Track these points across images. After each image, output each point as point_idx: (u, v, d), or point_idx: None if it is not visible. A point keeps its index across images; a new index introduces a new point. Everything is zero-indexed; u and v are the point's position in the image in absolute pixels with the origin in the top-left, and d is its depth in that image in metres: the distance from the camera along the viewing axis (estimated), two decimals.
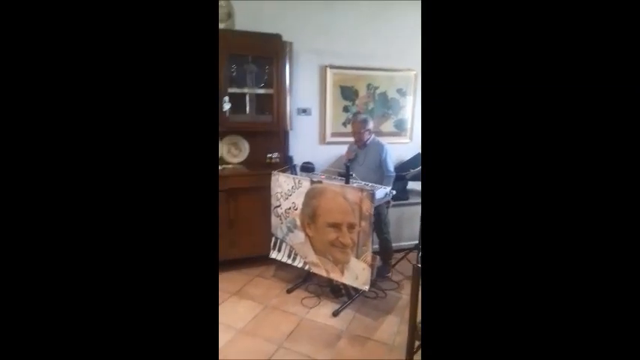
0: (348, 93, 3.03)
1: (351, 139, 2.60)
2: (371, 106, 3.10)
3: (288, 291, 2.41)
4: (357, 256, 2.10)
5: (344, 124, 3.07)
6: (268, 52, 2.51)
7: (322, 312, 2.20)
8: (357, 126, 2.48)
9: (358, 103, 3.07)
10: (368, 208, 2.02)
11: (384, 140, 2.56)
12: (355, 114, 2.92)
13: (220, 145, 2.69)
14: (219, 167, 2.60)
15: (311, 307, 2.24)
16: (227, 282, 2.48)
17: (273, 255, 2.49)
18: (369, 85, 3.06)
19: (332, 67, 2.92)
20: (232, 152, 2.74)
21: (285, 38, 2.54)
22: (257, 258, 2.62)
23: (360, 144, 2.51)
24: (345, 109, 3.06)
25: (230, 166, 2.67)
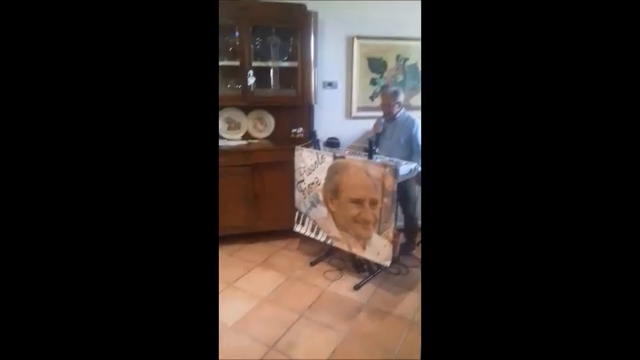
0: (376, 65, 2.91)
1: (379, 114, 2.52)
2: (400, 78, 2.96)
3: (312, 264, 2.47)
4: (379, 232, 2.09)
5: (371, 98, 2.97)
6: (292, 23, 2.45)
7: (344, 285, 2.24)
8: (387, 98, 2.38)
9: (387, 75, 2.94)
10: (391, 184, 1.98)
11: (414, 114, 2.44)
12: (384, 86, 2.81)
13: (246, 120, 2.72)
14: (245, 142, 2.64)
15: (333, 280, 2.28)
16: (253, 253, 2.58)
17: (297, 228, 2.54)
18: (398, 57, 2.91)
19: (359, 37, 2.79)
20: (258, 127, 2.76)
21: (309, 8, 2.45)
22: (282, 231, 2.69)
23: (389, 117, 2.42)
24: (373, 82, 2.95)
25: (256, 140, 2.70)
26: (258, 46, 2.48)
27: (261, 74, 2.52)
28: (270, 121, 2.76)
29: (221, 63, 2.46)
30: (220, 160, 2.43)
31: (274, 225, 2.68)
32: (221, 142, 2.59)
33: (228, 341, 1.77)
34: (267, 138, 2.75)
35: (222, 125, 2.68)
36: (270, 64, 2.54)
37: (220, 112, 2.66)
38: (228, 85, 2.55)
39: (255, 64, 2.45)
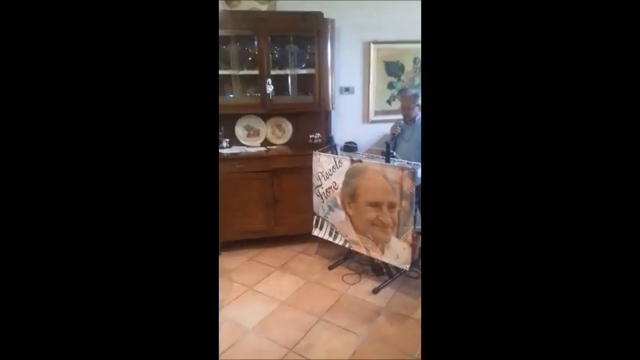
0: (393, 68, 2.91)
1: (396, 117, 2.53)
2: (418, 80, 2.95)
3: (330, 268, 2.48)
4: (398, 236, 2.08)
5: (388, 102, 2.98)
6: (310, 31, 2.50)
7: (362, 289, 2.23)
8: (406, 101, 2.43)
9: (404, 78, 2.94)
10: (409, 187, 1.97)
11: None
12: (403, 89, 2.83)
13: (265, 126, 2.78)
14: (264, 148, 2.70)
15: (351, 284, 2.28)
16: (272, 257, 2.62)
17: (315, 233, 2.56)
18: (415, 59, 2.91)
19: (376, 42, 2.82)
20: (276, 134, 2.82)
21: (326, 15, 2.50)
22: (300, 235, 2.72)
23: (409, 120, 2.45)
24: (390, 86, 2.95)
25: (274, 147, 2.76)
26: (276, 55, 2.54)
27: (280, 82, 2.58)
28: (288, 128, 2.82)
29: (241, 72, 2.54)
30: (240, 166, 2.52)
31: (293, 229, 2.71)
32: (240, 149, 2.66)
33: (248, 343, 1.80)
34: (285, 144, 2.81)
35: (241, 132, 2.76)
36: (288, 71, 2.60)
37: (240, 120, 2.74)
38: (248, 93, 2.63)
39: (273, 72, 2.52)
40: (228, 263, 2.54)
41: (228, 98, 2.62)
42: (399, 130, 2.47)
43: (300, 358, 1.70)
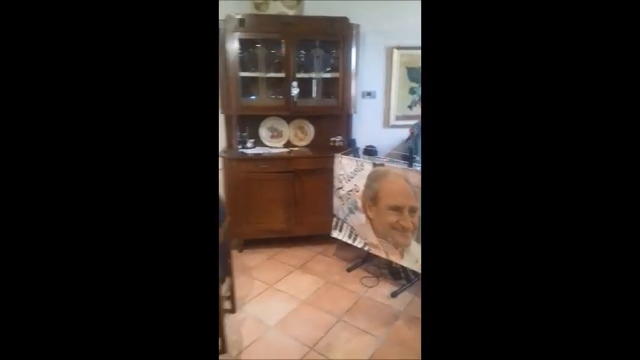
0: (415, 74, 2.93)
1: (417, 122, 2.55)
2: None
3: (348, 270, 2.51)
4: (418, 240, 2.09)
5: (410, 107, 2.99)
6: (335, 36, 2.54)
7: (381, 292, 2.26)
8: None
9: None
10: None
11: None
12: None
13: (288, 128, 2.84)
14: (287, 150, 2.76)
15: (370, 287, 2.31)
16: (291, 257, 2.67)
17: (335, 234, 2.60)
18: None
19: (399, 47, 2.84)
20: (299, 136, 2.87)
21: (352, 20, 2.54)
22: (319, 236, 2.75)
23: None
24: (412, 91, 2.97)
25: (296, 148, 2.81)
26: (302, 59, 2.60)
27: (304, 85, 2.63)
28: (311, 130, 2.86)
29: (267, 75, 2.60)
30: (264, 166, 2.58)
31: (312, 230, 2.75)
32: (264, 150, 2.72)
33: (270, 340, 1.85)
34: (306, 146, 2.85)
35: (265, 133, 2.82)
36: (312, 75, 2.65)
37: (264, 121, 2.80)
38: (273, 95, 2.69)
39: (298, 75, 2.57)
40: (249, 261, 2.59)
41: (254, 100, 2.68)
42: (416, 131, 2.51)
43: (321, 357, 1.74)
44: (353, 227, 2.47)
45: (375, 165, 2.26)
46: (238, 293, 2.12)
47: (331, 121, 2.79)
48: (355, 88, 2.69)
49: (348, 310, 2.08)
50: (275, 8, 2.53)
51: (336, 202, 2.55)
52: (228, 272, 1.94)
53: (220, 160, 2.61)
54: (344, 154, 2.48)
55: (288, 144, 2.84)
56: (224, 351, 1.73)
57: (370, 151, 2.67)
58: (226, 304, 1.99)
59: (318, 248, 2.78)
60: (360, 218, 2.39)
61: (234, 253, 2.58)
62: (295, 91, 2.55)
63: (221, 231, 1.68)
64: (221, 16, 2.45)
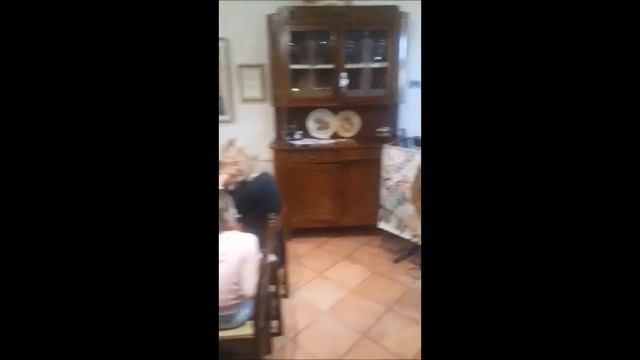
0: None
1: None
2: None
3: (395, 261, 2.51)
4: None
5: None
6: (384, 25, 2.51)
7: None
8: None
9: None
10: None
11: None
12: None
13: (334, 120, 2.86)
14: (334, 141, 2.78)
15: (417, 278, 2.30)
16: (337, 246, 2.72)
17: (381, 225, 2.60)
18: None
19: None
20: (345, 127, 2.88)
21: (401, 9, 2.49)
22: (364, 227, 2.77)
23: None
24: None
25: (343, 139, 2.83)
26: (351, 49, 2.59)
27: (353, 75, 2.62)
28: (357, 121, 2.86)
29: (315, 66, 2.63)
30: (311, 157, 2.63)
31: (358, 221, 2.77)
32: (311, 141, 2.77)
33: (324, 325, 1.91)
34: (353, 137, 2.86)
35: (312, 125, 2.86)
36: (361, 65, 2.64)
37: (311, 113, 2.84)
38: (320, 86, 2.71)
39: (347, 65, 2.57)
40: (298, 249, 2.67)
41: (302, 91, 2.72)
42: None
43: (374, 344, 1.77)
44: (402, 218, 2.46)
45: None
46: (290, 279, 2.20)
47: (378, 111, 2.77)
48: (404, 78, 2.65)
49: (397, 300, 2.10)
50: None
51: (384, 192, 2.54)
52: (283, 260, 2.02)
53: (270, 151, 2.69)
54: (393, 144, 2.47)
55: (334, 135, 2.86)
56: (281, 333, 1.82)
57: (417, 142, 2.63)
58: (281, 290, 2.07)
59: (364, 239, 2.80)
60: (408, 209, 2.38)
61: None
62: (344, 81, 2.56)
63: (278, 219, 1.75)
64: (272, 9, 2.50)
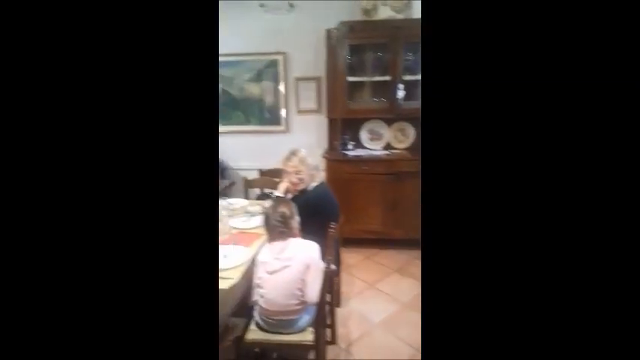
0: None
1: None
2: None
3: None
4: None
5: None
6: None
7: None
8: None
9: None
10: None
11: None
12: None
13: (388, 131, 2.86)
14: (386, 152, 2.78)
15: None
16: (388, 259, 2.68)
17: None
18: None
19: None
20: (398, 138, 2.87)
21: None
22: (416, 240, 2.70)
23: None
24: None
25: (396, 151, 2.82)
26: (409, 61, 2.60)
27: (409, 87, 2.62)
28: (411, 133, 2.84)
29: (372, 78, 2.66)
30: (363, 167, 2.65)
31: (409, 234, 2.72)
32: (364, 152, 2.79)
33: (377, 337, 1.89)
34: (406, 149, 2.84)
35: (364, 136, 2.88)
36: (418, 77, 2.63)
37: (365, 124, 2.86)
38: (375, 98, 2.74)
39: (404, 77, 2.57)
40: (348, 259, 2.68)
41: (357, 103, 2.76)
42: None
43: None
44: None
45: None
46: (341, 289, 2.21)
47: None
48: None
49: None
50: (384, 12, 2.58)
51: None
52: (338, 269, 2.05)
53: (323, 161, 2.75)
54: None
55: (387, 146, 2.86)
56: (334, 342, 1.83)
57: None
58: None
59: (415, 252, 2.74)
60: None
61: None
62: (401, 93, 2.56)
63: (337, 228, 1.78)
64: (332, 23, 2.58)
